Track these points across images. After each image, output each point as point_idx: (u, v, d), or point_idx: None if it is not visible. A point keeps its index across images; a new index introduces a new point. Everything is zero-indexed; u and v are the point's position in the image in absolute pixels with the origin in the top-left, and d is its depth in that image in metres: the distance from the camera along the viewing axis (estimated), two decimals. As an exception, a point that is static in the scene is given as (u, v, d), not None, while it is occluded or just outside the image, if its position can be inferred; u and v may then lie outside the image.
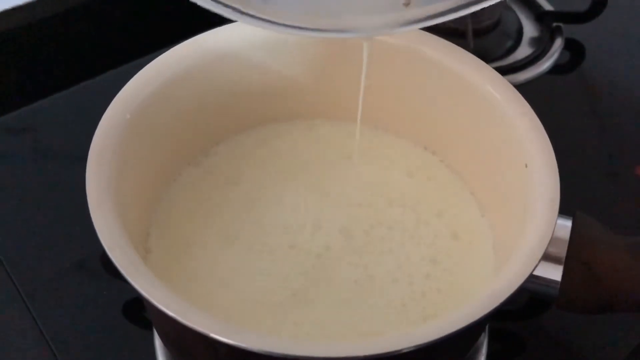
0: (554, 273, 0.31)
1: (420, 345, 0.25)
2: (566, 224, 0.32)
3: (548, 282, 0.31)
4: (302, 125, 0.40)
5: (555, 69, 0.52)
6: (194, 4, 0.28)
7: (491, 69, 0.35)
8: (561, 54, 0.52)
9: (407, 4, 0.29)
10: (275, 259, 0.35)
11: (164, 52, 0.36)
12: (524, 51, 0.52)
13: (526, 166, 0.32)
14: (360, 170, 0.39)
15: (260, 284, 0.34)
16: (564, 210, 0.31)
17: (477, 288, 0.32)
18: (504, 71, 0.51)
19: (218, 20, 0.32)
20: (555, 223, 0.29)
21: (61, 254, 0.41)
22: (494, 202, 0.35)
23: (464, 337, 0.29)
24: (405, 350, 0.25)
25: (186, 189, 0.37)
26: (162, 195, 0.36)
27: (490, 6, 0.29)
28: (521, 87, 0.35)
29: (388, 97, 0.38)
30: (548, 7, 0.55)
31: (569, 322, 0.39)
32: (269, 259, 0.35)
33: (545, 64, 0.52)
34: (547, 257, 0.29)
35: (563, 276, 0.31)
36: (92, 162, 0.30)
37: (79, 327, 0.38)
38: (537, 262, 0.28)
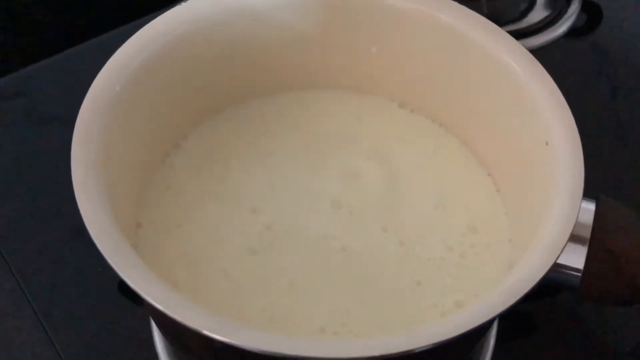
0: (576, 261, 0.29)
1: (437, 343, 0.23)
2: (589, 208, 0.30)
3: (569, 270, 0.29)
4: (309, 95, 0.37)
5: (571, 33, 0.49)
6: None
7: (512, 39, 0.32)
8: (578, 16, 0.50)
9: None
10: (274, 240, 0.32)
11: (166, 11, 0.33)
12: (538, 14, 0.49)
13: (547, 144, 0.30)
14: (369, 145, 0.36)
15: (256, 264, 0.32)
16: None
17: (494, 274, 0.30)
18: (517, 35, 0.48)
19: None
20: (580, 208, 0.27)
21: (55, 222, 0.40)
22: (511, 182, 0.33)
23: (483, 329, 0.27)
24: (418, 350, 0.23)
25: (180, 162, 0.34)
26: (155, 168, 0.34)
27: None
28: (535, 52, 0.33)
29: (399, 67, 0.36)
30: (564, -34, 0.52)
31: (581, 301, 0.37)
32: (267, 238, 0.32)
33: (561, 28, 0.49)
34: (568, 244, 0.27)
35: (585, 265, 0.29)
36: (78, 141, 0.28)
37: (72, 304, 0.37)
38: (559, 251, 0.26)
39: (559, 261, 0.27)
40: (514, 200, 0.32)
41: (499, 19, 0.47)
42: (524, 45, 0.40)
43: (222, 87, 0.35)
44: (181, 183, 0.34)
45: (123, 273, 0.25)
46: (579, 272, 0.29)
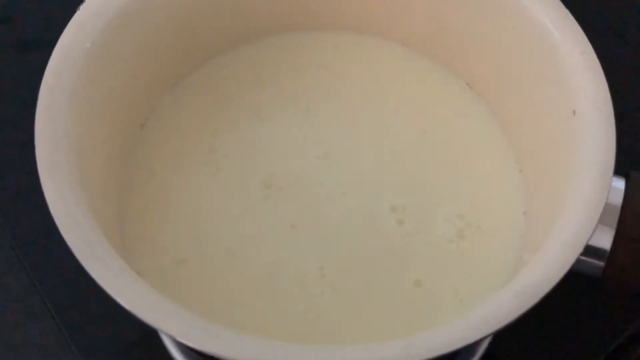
0: (600, 245, 0.26)
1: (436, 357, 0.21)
2: (618, 187, 0.26)
3: (592, 257, 0.26)
4: (309, 37, 0.33)
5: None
6: None
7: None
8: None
9: None
10: (275, 195, 0.30)
11: None
12: None
13: (574, 113, 0.26)
14: (386, 96, 0.32)
15: (255, 221, 0.29)
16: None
17: (507, 263, 0.28)
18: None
19: None
20: (609, 192, 0.24)
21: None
22: (534, 153, 0.29)
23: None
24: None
25: (161, 127, 0.31)
26: (133, 136, 0.30)
27: None
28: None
29: (414, 11, 0.32)
30: None
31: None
32: (266, 194, 0.30)
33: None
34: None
35: (611, 251, 0.26)
36: (43, 109, 0.25)
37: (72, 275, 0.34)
38: (582, 246, 0.23)
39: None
40: (535, 174, 0.29)
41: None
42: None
43: (207, 34, 0.32)
44: (164, 151, 0.31)
45: (87, 265, 0.22)
46: (602, 260, 0.26)
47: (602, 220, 0.26)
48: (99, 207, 0.25)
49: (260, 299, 0.28)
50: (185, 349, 0.33)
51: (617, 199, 0.26)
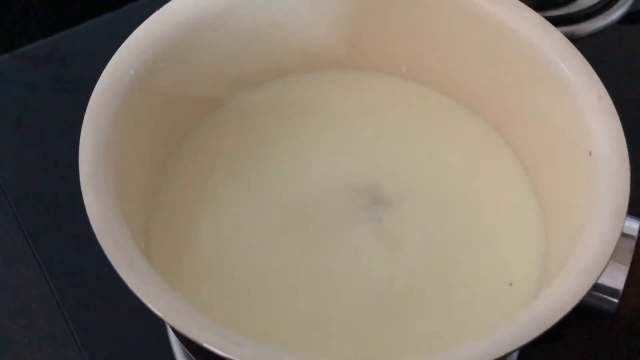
0: (613, 284, 0.27)
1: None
2: (632, 226, 0.27)
3: (605, 293, 0.27)
4: (332, 75, 0.35)
5: (627, 18, 0.46)
6: None
7: (560, 34, 0.29)
8: (634, 0, 0.46)
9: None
10: (294, 231, 0.31)
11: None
12: (591, -4, 0.46)
13: (590, 154, 0.27)
14: (402, 131, 0.34)
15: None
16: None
17: (521, 297, 0.28)
18: (567, 20, 0.45)
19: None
20: (622, 231, 0.25)
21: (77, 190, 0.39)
22: (551, 191, 0.30)
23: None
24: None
25: (197, 149, 0.33)
26: (171, 158, 0.32)
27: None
28: (586, 40, 0.30)
29: (435, 54, 0.33)
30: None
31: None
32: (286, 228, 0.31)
33: (615, 13, 0.45)
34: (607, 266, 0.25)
35: (622, 294, 0.26)
36: (88, 127, 0.27)
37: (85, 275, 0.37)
38: (595, 278, 0.24)
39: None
40: (552, 212, 0.30)
41: (546, 3, 0.44)
42: (573, 32, 0.37)
43: (240, 71, 0.34)
44: (195, 175, 0.32)
45: (124, 274, 0.23)
46: (615, 297, 0.27)
47: (616, 259, 0.26)
48: (131, 219, 0.26)
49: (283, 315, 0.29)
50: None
51: (631, 240, 0.27)
